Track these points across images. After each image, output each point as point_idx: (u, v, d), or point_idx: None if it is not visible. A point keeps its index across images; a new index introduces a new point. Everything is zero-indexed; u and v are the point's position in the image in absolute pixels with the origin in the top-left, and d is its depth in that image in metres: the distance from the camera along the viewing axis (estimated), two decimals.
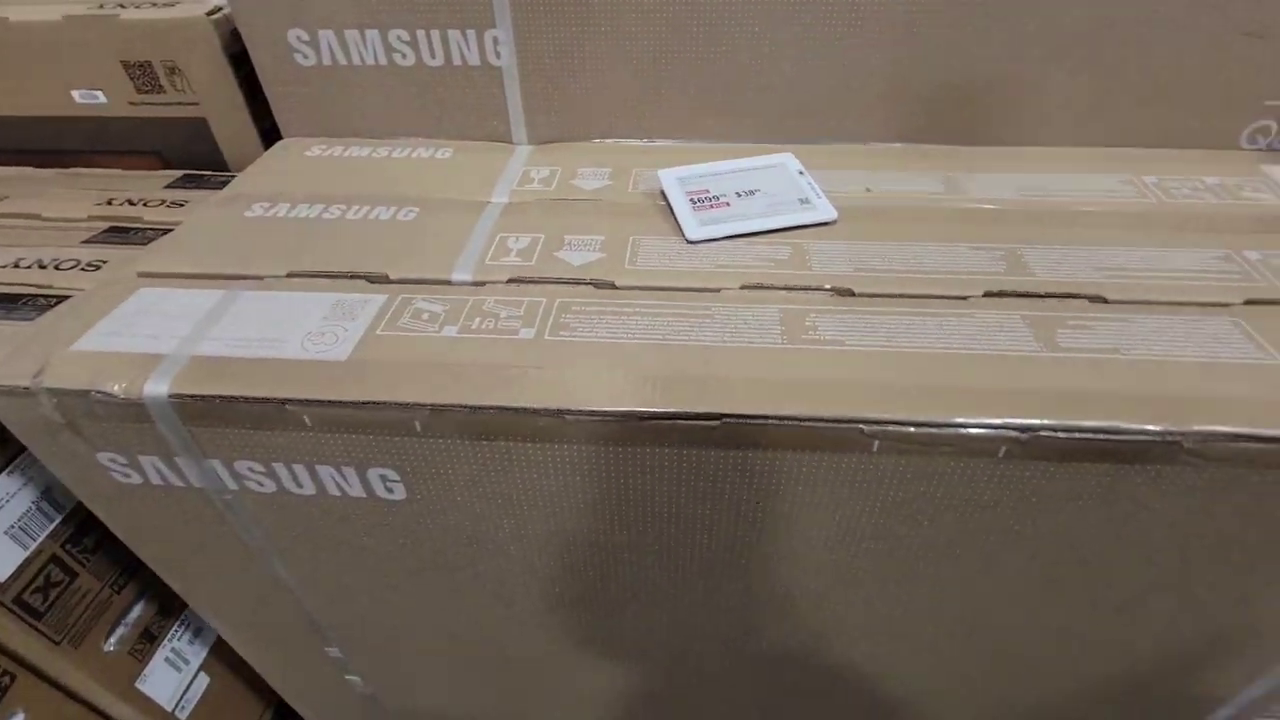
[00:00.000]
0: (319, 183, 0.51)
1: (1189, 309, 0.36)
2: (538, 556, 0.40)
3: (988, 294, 0.37)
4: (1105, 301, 0.37)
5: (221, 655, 0.61)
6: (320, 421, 0.33)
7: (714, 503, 0.35)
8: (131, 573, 0.51)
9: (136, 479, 0.38)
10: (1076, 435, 0.30)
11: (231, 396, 0.33)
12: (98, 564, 0.48)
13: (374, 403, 0.32)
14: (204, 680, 0.59)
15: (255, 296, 0.39)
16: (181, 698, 0.57)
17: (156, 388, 0.33)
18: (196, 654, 0.59)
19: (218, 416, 0.34)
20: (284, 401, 0.33)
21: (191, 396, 0.33)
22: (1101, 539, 0.34)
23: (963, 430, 0.30)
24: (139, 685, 0.53)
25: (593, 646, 0.49)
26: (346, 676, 0.58)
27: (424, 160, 0.53)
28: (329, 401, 0.33)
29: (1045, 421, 0.30)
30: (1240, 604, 0.37)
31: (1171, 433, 0.29)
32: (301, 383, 0.33)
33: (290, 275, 0.41)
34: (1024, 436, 0.30)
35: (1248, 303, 0.36)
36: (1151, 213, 0.44)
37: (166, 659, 0.56)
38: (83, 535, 0.46)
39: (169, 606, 0.56)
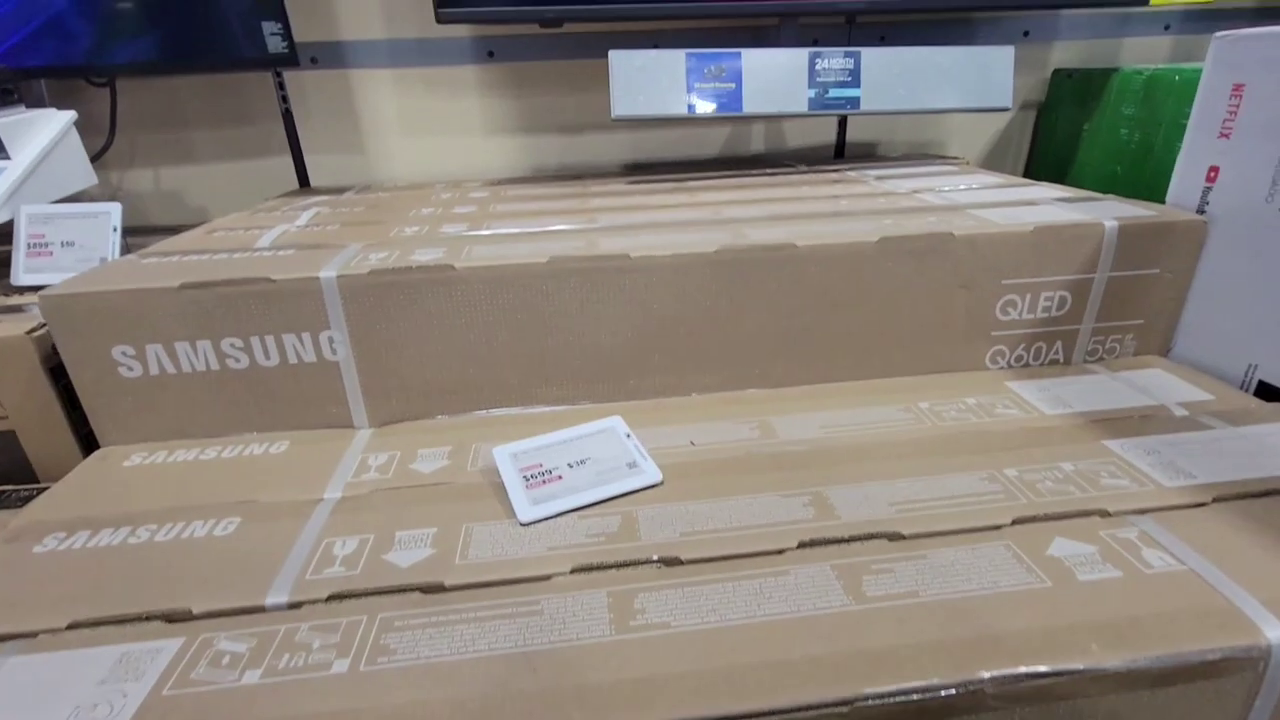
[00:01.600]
0: (132, 499, 0.48)
1: (969, 536, 0.40)
2: None
3: (801, 544, 0.40)
4: (902, 538, 0.40)
5: None
6: None
7: None
8: None
9: None
10: (892, 700, 0.30)
11: None
12: None
13: None
14: None
15: (21, 662, 0.34)
16: None
17: None
18: None
19: None
20: None
21: None
22: None
23: (790, 715, 0.30)
24: None
25: None
26: None
27: (255, 458, 0.52)
28: None
29: (863, 691, 0.30)
30: None
31: (973, 682, 0.31)
32: None
33: (71, 626, 0.37)
34: (846, 710, 0.30)
35: (1014, 522, 0.41)
36: (928, 438, 0.51)
37: None
38: None
39: None
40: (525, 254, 0.55)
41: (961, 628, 0.34)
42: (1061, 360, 0.62)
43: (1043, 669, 0.31)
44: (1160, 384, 0.58)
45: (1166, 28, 1.08)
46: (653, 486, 0.46)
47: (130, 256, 0.61)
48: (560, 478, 0.46)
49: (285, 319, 0.53)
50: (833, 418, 0.54)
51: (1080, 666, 0.31)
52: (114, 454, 0.54)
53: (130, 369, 0.53)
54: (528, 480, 0.46)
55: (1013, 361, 0.62)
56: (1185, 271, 0.60)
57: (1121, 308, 0.61)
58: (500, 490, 0.46)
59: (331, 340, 0.54)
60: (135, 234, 1.02)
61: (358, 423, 0.57)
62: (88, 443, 0.58)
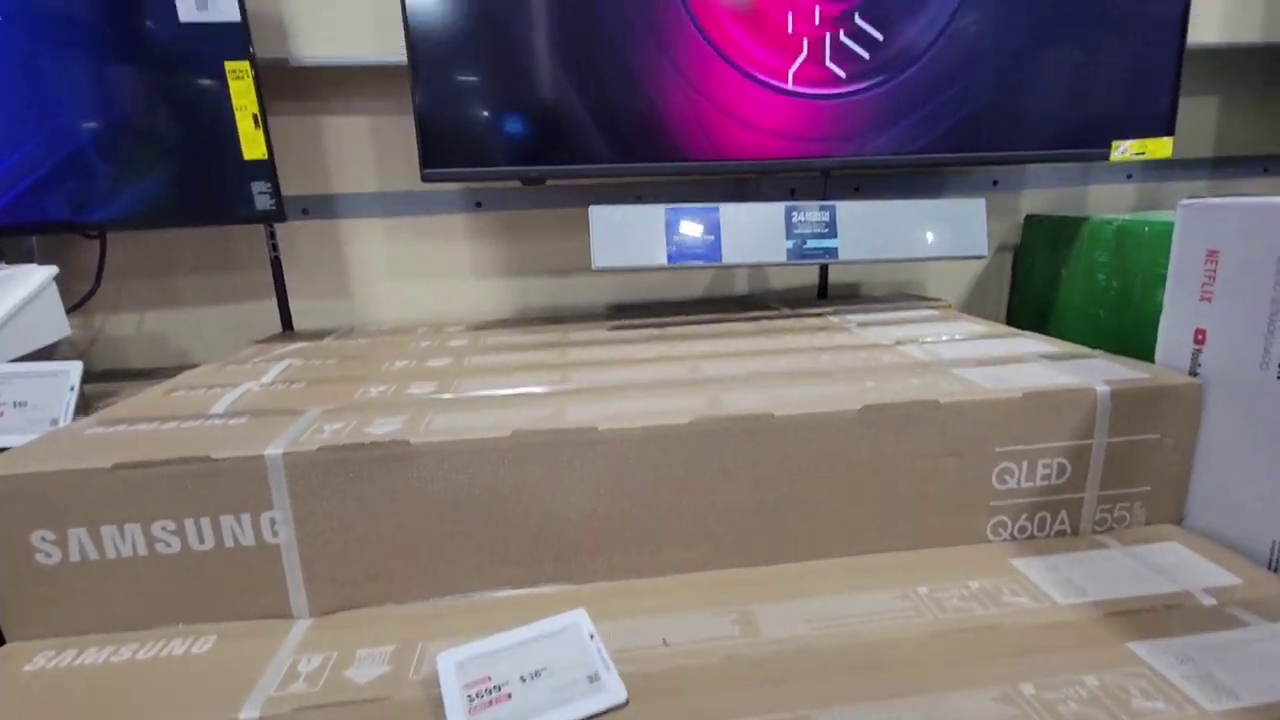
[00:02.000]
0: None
1: None
2: None
3: None
4: None
5: None
6: None
7: None
8: None
9: None
10: None
11: None
12: None
13: None
14: None
15: None
16: None
17: None
18: None
19: None
20: None
21: None
22: None
23: None
24: None
25: None
26: None
27: (174, 660, 0.46)
28: None
29: None
30: None
31: None
32: None
33: None
34: None
35: None
36: (929, 636, 0.45)
37: None
38: None
39: None
40: (488, 426, 0.52)
41: None
42: (1069, 530, 0.58)
43: None
44: (1180, 563, 0.53)
45: (1129, 176, 1.12)
46: (616, 709, 0.40)
47: (76, 424, 0.58)
48: (509, 695, 0.40)
49: (225, 499, 0.49)
50: (822, 607, 0.49)
51: None
52: (17, 654, 0.48)
53: (48, 555, 0.48)
54: (472, 700, 0.40)
55: (1016, 533, 0.57)
56: (1187, 437, 0.57)
57: (1125, 475, 0.57)
58: (440, 709, 0.40)
59: (273, 521, 0.49)
60: (111, 378, 1.00)
61: (296, 611, 0.51)
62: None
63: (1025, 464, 0.56)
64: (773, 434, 0.53)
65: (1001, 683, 0.41)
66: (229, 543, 0.49)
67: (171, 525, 0.49)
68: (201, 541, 0.49)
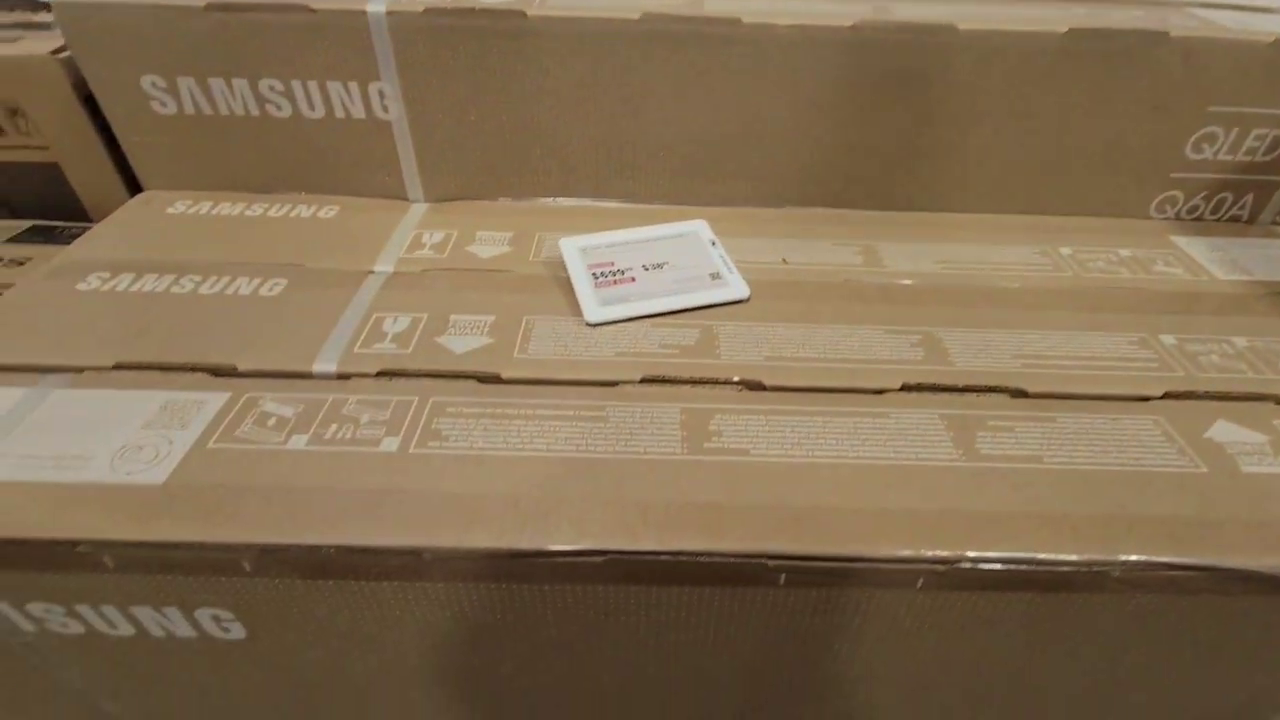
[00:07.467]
0: (176, 246, 0.45)
1: (1109, 405, 0.34)
2: (412, 692, 0.35)
3: (905, 387, 0.35)
4: (1026, 396, 0.34)
5: None
6: (125, 563, 0.27)
7: (608, 636, 0.31)
8: None
9: None
10: (997, 567, 0.27)
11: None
12: None
13: (186, 543, 0.27)
14: None
15: (67, 396, 0.33)
16: None
17: None
18: None
19: None
20: (75, 543, 0.27)
21: None
22: (1028, 660, 0.32)
23: (877, 565, 0.27)
24: None
25: None
26: None
27: (303, 220, 0.48)
28: (132, 543, 0.27)
29: (964, 554, 0.27)
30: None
31: (1098, 563, 0.27)
32: (102, 517, 0.27)
33: (117, 366, 0.35)
34: (942, 569, 0.27)
35: (1166, 396, 0.35)
36: (1069, 289, 0.43)
37: None
38: None
39: None
40: (614, 5, 0.44)
41: (1090, 503, 0.29)
42: (1245, 219, 0.51)
43: (1187, 561, 0.27)
44: None
45: None
46: (738, 302, 0.40)
47: None
48: (634, 280, 0.41)
49: (328, 61, 0.45)
50: (953, 252, 0.46)
51: (1232, 565, 0.27)
52: (157, 199, 0.50)
53: (164, 104, 0.47)
54: (596, 278, 0.41)
55: (1184, 213, 0.51)
56: None
57: None
58: (565, 285, 0.41)
59: (382, 94, 0.46)
60: None
61: (412, 195, 0.51)
62: (133, 184, 0.55)
63: (1235, 131, 0.47)
64: (947, 55, 0.44)
65: (1141, 330, 0.39)
66: (339, 113, 0.47)
67: (279, 85, 0.46)
68: (312, 109, 0.47)
